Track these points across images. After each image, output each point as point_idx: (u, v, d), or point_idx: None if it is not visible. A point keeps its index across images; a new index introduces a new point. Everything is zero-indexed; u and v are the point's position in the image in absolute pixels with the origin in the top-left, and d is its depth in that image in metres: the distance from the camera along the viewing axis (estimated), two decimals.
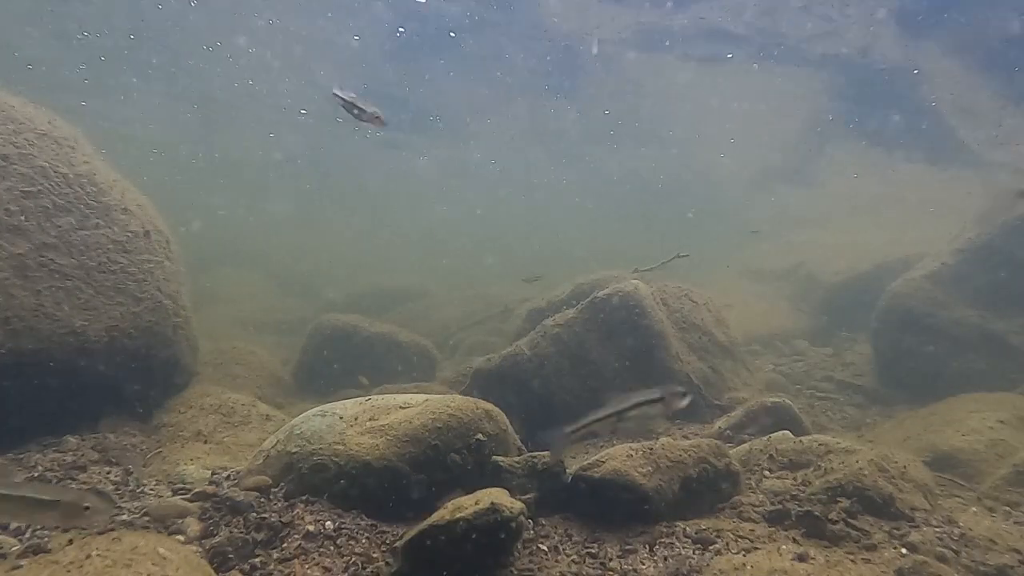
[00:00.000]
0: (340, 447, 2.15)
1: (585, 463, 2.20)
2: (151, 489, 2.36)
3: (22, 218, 2.41)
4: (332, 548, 1.87)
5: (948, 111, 8.15)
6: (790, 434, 2.59)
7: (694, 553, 1.85)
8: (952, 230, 5.03)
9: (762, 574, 1.55)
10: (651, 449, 2.20)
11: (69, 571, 1.29)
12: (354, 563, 1.81)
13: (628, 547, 1.94)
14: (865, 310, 5.18)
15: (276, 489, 2.14)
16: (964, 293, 4.47)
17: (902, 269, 5.20)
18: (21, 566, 1.07)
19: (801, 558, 1.70)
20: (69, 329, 2.51)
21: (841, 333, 6.21)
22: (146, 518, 2.01)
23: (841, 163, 12.54)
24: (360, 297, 8.52)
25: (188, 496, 2.17)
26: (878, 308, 4.86)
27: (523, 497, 2.06)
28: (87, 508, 1.34)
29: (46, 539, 1.62)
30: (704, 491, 2.19)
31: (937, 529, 1.79)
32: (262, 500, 2.08)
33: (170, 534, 1.92)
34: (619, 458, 2.16)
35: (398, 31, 7.72)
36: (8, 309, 2.35)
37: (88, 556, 1.42)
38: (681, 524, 2.03)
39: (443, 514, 1.75)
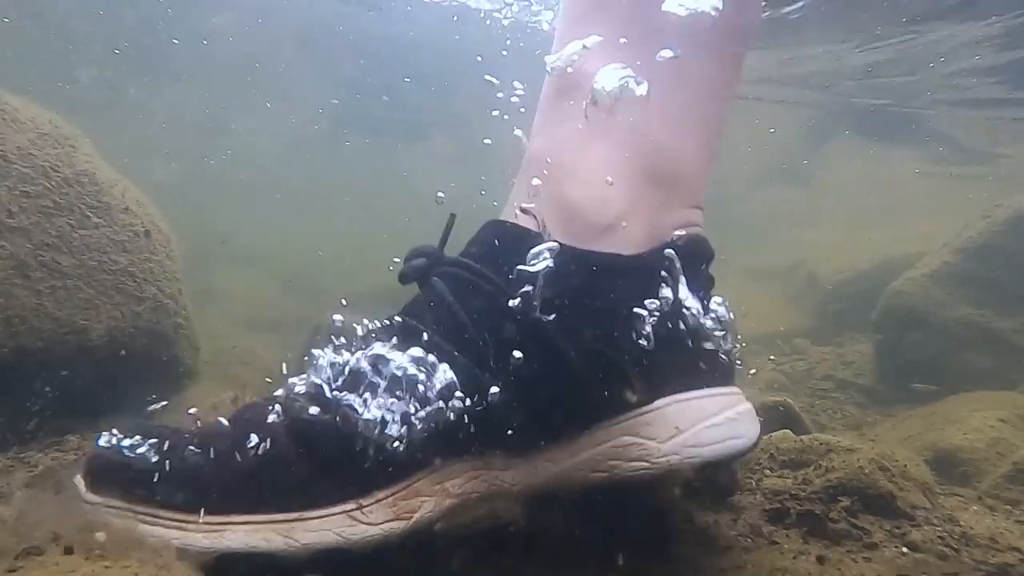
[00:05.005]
0: None
1: None
2: None
3: (23, 217, 2.41)
4: None
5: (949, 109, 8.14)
6: (791, 433, 2.58)
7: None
8: (954, 228, 5.03)
9: (763, 573, 1.55)
10: None
11: (73, 572, 1.29)
12: None
13: None
14: (866, 309, 5.17)
15: None
16: (966, 292, 4.46)
17: (903, 267, 5.19)
18: (20, 567, 1.07)
19: (802, 556, 1.69)
20: (70, 329, 2.51)
21: (842, 332, 6.20)
22: None
23: (841, 161, 12.51)
24: (361, 296, 8.52)
25: None
26: (879, 307, 4.85)
27: None
28: None
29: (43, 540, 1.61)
30: (704, 490, 2.18)
31: (938, 528, 1.78)
32: None
33: None
34: None
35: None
36: (9, 308, 2.34)
37: (88, 555, 1.41)
38: None
39: None
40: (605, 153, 1.35)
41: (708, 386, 1.41)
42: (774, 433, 2.60)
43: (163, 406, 3.10)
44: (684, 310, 1.38)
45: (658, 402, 1.31)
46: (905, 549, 1.61)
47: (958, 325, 4.34)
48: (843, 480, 1.94)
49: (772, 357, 5.57)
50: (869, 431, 3.50)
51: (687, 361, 1.38)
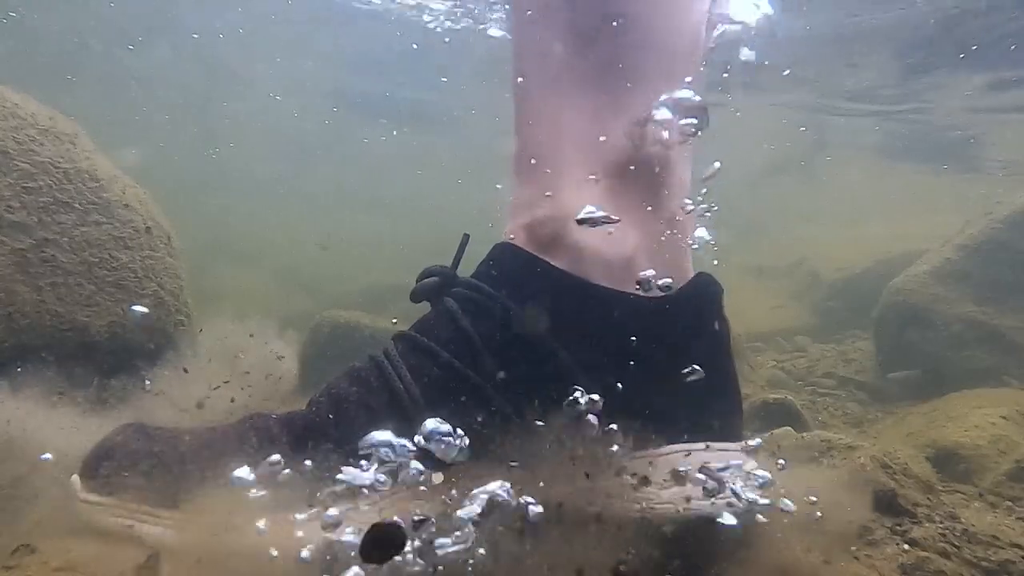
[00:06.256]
0: None
1: None
2: None
3: (23, 213, 2.40)
4: None
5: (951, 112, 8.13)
6: (792, 430, 2.58)
7: None
8: (955, 225, 5.01)
9: (764, 570, 1.54)
10: None
11: (68, 570, 1.29)
12: None
13: None
14: (867, 306, 5.16)
15: None
16: (967, 289, 4.45)
17: (904, 265, 5.18)
18: (14, 565, 1.06)
19: (803, 554, 1.69)
20: (71, 325, 2.51)
21: (843, 329, 6.19)
22: None
23: (843, 160, 12.48)
24: (362, 293, 8.51)
25: None
26: (880, 304, 4.84)
27: None
28: None
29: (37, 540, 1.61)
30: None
31: (939, 525, 1.78)
32: None
33: None
34: None
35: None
36: (10, 304, 2.34)
37: (84, 554, 1.41)
38: None
39: None
40: (599, 191, 1.30)
41: (716, 439, 1.37)
42: (775, 430, 2.60)
43: (162, 404, 3.10)
44: (699, 358, 1.34)
45: (664, 448, 1.29)
46: (906, 546, 1.61)
47: (959, 322, 4.33)
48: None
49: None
50: (870, 428, 3.50)
51: (698, 411, 1.33)
